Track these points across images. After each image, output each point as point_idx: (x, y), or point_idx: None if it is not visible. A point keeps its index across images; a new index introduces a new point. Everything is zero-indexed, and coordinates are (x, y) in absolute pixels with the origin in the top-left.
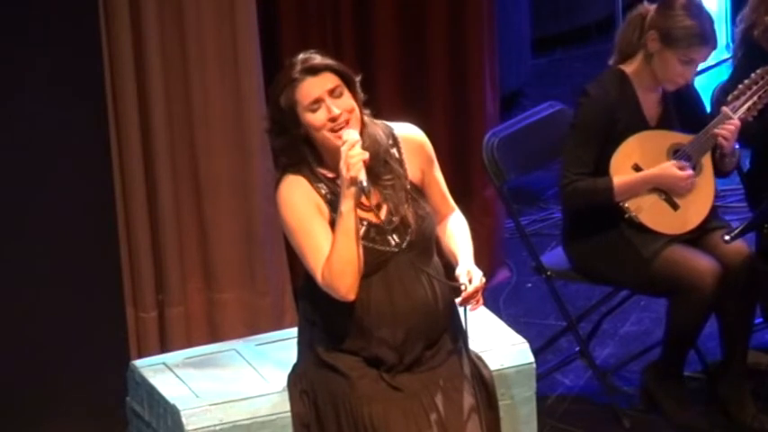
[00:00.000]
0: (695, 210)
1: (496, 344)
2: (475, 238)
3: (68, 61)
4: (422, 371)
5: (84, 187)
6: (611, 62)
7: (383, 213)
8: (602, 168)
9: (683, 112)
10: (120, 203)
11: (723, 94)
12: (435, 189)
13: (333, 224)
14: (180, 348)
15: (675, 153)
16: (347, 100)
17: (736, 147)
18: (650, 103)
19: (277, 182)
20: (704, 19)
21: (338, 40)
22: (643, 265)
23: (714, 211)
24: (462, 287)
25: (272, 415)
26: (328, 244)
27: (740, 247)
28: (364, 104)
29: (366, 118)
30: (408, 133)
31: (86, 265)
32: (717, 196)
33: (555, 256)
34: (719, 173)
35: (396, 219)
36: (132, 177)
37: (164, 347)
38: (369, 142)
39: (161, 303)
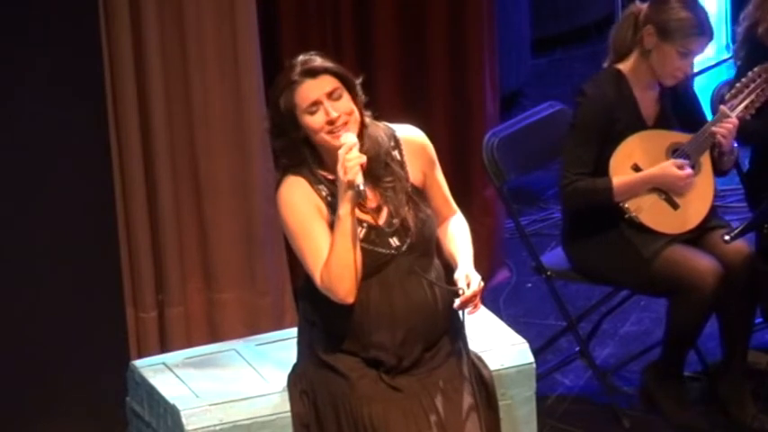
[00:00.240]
0: (695, 209)
1: (496, 344)
2: (475, 239)
3: (68, 61)
4: (421, 372)
5: (84, 187)
6: (605, 64)
7: (383, 216)
8: (602, 168)
9: (680, 111)
10: (120, 203)
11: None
12: (437, 191)
13: (333, 226)
14: (180, 348)
15: (674, 152)
16: (346, 103)
17: (735, 145)
18: (648, 102)
19: (277, 183)
20: (699, 10)
21: (338, 40)
22: (643, 266)
23: (714, 211)
24: (460, 291)
25: (272, 415)
26: (328, 246)
27: (741, 246)
28: (365, 106)
29: (367, 119)
30: (410, 135)
31: (86, 265)
32: (716, 196)
33: (555, 256)
34: (718, 172)
35: (396, 221)
36: (132, 177)
37: (164, 347)
38: (370, 144)
39: (161, 303)
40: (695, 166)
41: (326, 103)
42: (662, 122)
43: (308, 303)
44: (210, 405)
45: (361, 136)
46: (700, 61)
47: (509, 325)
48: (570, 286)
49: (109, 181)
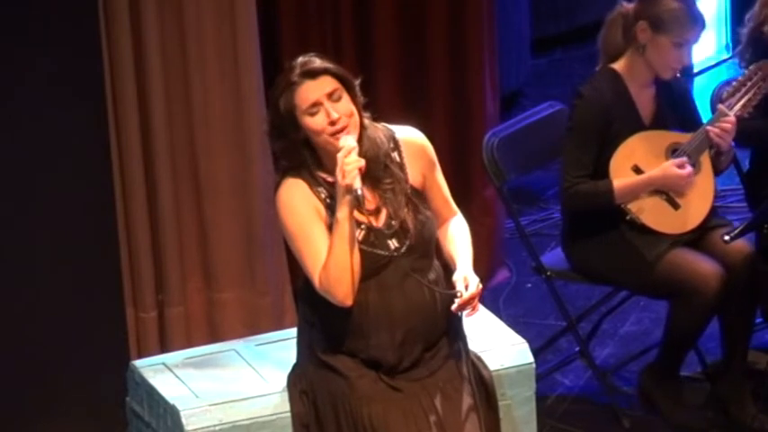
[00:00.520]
0: (696, 208)
1: (496, 344)
2: (475, 239)
3: (68, 61)
4: (421, 372)
5: (84, 187)
6: (597, 67)
7: (382, 217)
8: (602, 170)
9: (676, 109)
10: (120, 203)
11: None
12: (437, 193)
13: (332, 228)
14: (180, 348)
15: (674, 152)
16: (346, 104)
17: (732, 144)
18: (644, 101)
19: (277, 185)
20: (689, 0)
21: (338, 40)
22: (646, 268)
23: (714, 210)
24: (458, 294)
25: (272, 415)
26: (326, 249)
27: (742, 246)
28: (364, 107)
29: (366, 121)
30: (410, 137)
31: (86, 265)
32: (717, 196)
33: (555, 256)
34: (715, 170)
35: (395, 223)
36: (132, 177)
37: (164, 347)
38: (369, 145)
39: (161, 303)
40: (695, 166)
41: (327, 103)
42: (659, 121)
43: (307, 304)
44: (210, 405)
45: (360, 137)
46: (700, 61)
47: (509, 325)
48: (570, 286)
49: (109, 181)
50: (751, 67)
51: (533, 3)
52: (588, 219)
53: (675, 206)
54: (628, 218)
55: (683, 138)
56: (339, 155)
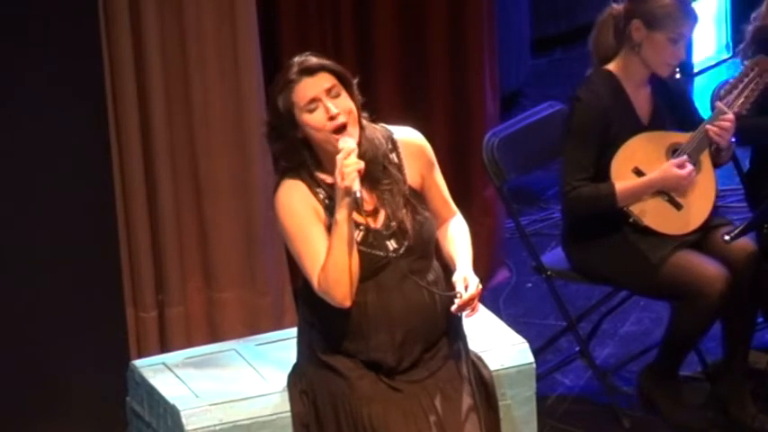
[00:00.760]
0: (698, 208)
1: (496, 344)
2: (475, 239)
3: (69, 62)
4: (421, 373)
5: (84, 187)
6: (590, 70)
7: (381, 218)
8: (602, 172)
9: (674, 109)
10: (120, 203)
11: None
12: (436, 193)
13: (330, 229)
14: (180, 348)
15: (674, 152)
16: (345, 100)
17: (732, 140)
18: (641, 101)
19: (275, 186)
20: None
21: (338, 40)
22: (651, 271)
23: (716, 209)
24: (458, 295)
25: (272, 415)
26: (325, 250)
27: (745, 243)
28: (362, 107)
29: (364, 121)
30: (408, 137)
31: (86, 265)
32: (718, 194)
33: (555, 256)
34: (714, 164)
35: (393, 224)
36: (132, 177)
37: (164, 347)
38: (367, 146)
39: (161, 303)
40: (696, 165)
41: (325, 99)
42: (656, 120)
43: (307, 305)
44: (210, 405)
45: (358, 138)
46: (700, 61)
47: (509, 325)
48: (570, 286)
49: (109, 181)
50: (747, 64)
51: (533, 3)
52: (590, 221)
53: (678, 206)
54: (630, 220)
55: (682, 137)
56: (338, 157)
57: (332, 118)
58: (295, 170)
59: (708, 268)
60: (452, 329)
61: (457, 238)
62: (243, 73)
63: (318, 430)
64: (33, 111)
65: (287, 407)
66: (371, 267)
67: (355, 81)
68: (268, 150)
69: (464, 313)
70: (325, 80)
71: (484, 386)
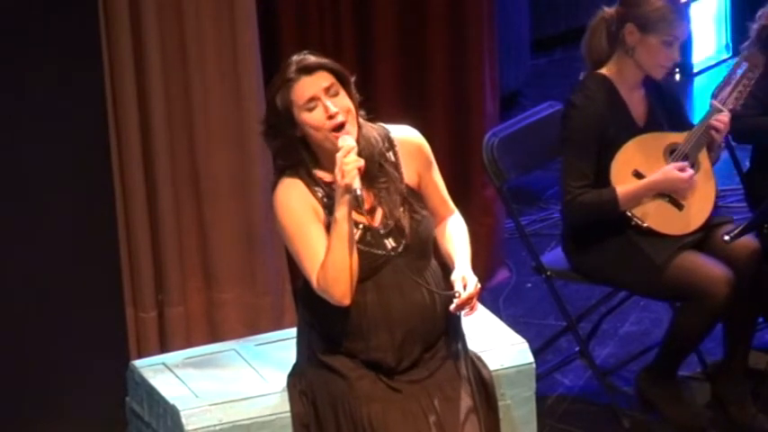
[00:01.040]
0: (699, 207)
1: (496, 344)
2: (474, 239)
3: (68, 61)
4: (420, 373)
5: (84, 187)
6: (582, 74)
7: (378, 217)
8: (602, 176)
9: (668, 110)
10: (120, 203)
11: None
12: (434, 192)
13: (329, 228)
14: (180, 348)
15: (672, 153)
16: (343, 99)
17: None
18: (636, 103)
19: (274, 185)
20: None
21: (338, 39)
22: (655, 272)
23: (716, 207)
24: (456, 294)
25: (272, 415)
26: (324, 249)
27: (748, 242)
28: (361, 105)
29: (361, 120)
30: (405, 136)
31: (86, 265)
32: (718, 193)
33: (555, 256)
34: None
35: (391, 222)
36: (132, 178)
37: (164, 347)
38: (363, 144)
39: (161, 303)
40: (695, 164)
41: (324, 98)
42: (652, 121)
43: (307, 305)
44: (210, 405)
45: (356, 137)
46: (700, 61)
47: (509, 325)
48: (570, 286)
49: (109, 181)
50: (737, 60)
51: (533, 3)
52: (593, 225)
53: (679, 207)
54: (633, 223)
55: (679, 137)
56: (338, 155)
57: (331, 117)
58: (293, 168)
59: (713, 269)
60: (452, 329)
61: (455, 236)
62: (243, 73)
63: (318, 430)
64: (33, 111)
65: (287, 407)
66: (370, 266)
67: (353, 79)
68: (268, 150)
69: (462, 312)
70: (323, 79)
71: (483, 386)
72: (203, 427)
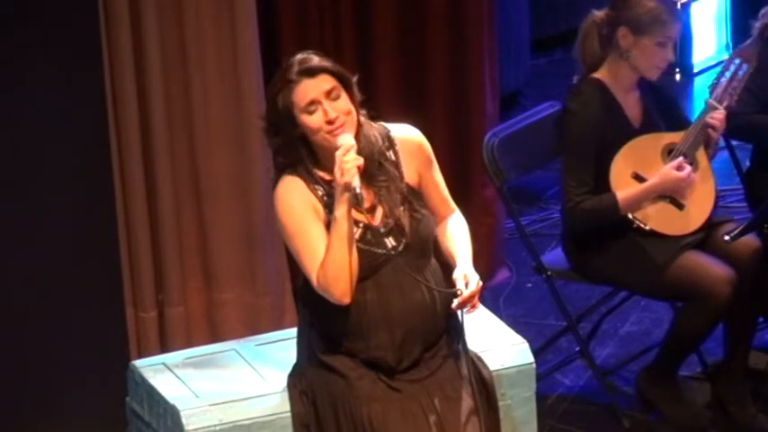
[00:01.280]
0: (700, 206)
1: (496, 344)
2: (474, 239)
3: (68, 61)
4: (420, 373)
5: (84, 187)
6: (576, 78)
7: (378, 216)
8: (601, 181)
9: (663, 110)
10: (120, 203)
11: None
12: (434, 190)
13: (329, 226)
14: (180, 348)
15: (670, 152)
16: (344, 102)
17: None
18: (631, 105)
19: (274, 183)
20: None
21: (338, 39)
22: (657, 272)
23: (716, 206)
24: (458, 292)
25: (272, 415)
26: (324, 247)
27: (749, 240)
28: (361, 105)
29: (362, 119)
30: (405, 135)
31: (86, 265)
32: (717, 191)
33: (555, 256)
34: None
35: (391, 221)
36: (132, 177)
37: (164, 347)
38: (363, 143)
39: (161, 303)
40: (693, 163)
41: (325, 102)
42: (648, 122)
43: (307, 305)
44: (210, 405)
45: (356, 136)
46: (700, 61)
47: (509, 325)
48: (570, 286)
49: (109, 181)
50: (729, 56)
51: (533, 3)
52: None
53: (680, 207)
54: (635, 226)
55: (675, 137)
56: (338, 153)
57: (330, 122)
58: (293, 167)
59: (715, 269)
60: (452, 329)
61: (456, 235)
62: (243, 73)
63: (318, 430)
64: (33, 111)
65: (287, 407)
66: (370, 265)
67: (355, 79)
68: (268, 150)
69: (464, 310)
70: (325, 82)
71: (484, 386)
72: (203, 428)
